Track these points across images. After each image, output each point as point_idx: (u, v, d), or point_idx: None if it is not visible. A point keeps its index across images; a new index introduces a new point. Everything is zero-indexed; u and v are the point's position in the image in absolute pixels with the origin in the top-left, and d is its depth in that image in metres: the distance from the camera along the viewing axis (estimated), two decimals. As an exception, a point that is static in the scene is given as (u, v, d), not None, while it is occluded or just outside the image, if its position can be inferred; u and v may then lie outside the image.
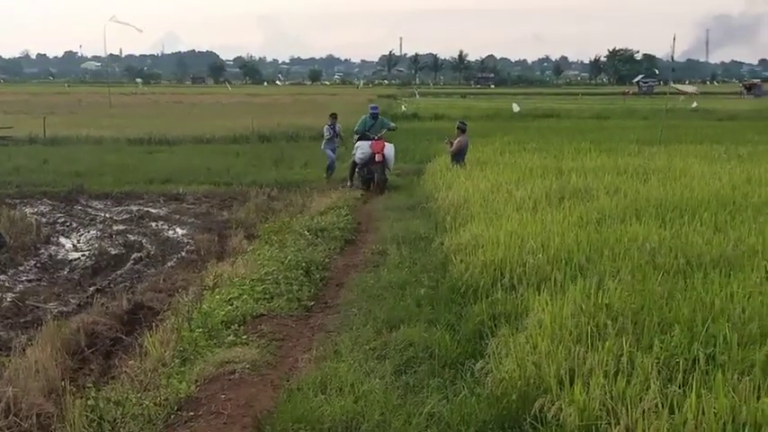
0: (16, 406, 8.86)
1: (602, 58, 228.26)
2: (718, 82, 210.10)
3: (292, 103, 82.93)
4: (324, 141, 29.20)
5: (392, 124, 27.33)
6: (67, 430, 7.96)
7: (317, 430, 6.85)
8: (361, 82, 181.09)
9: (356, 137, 26.33)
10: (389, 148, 24.92)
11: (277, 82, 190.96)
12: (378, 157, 24.35)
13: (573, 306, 8.51)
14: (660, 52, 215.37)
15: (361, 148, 24.76)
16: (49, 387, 9.23)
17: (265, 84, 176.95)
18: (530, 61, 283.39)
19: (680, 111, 58.08)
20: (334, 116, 29.23)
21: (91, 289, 14.75)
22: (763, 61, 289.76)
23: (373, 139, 24.84)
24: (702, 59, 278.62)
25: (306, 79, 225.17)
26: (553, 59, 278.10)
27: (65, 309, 13.13)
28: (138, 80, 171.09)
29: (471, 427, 6.70)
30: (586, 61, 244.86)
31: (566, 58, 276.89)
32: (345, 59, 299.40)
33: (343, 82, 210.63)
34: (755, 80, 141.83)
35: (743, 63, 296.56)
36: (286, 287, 12.24)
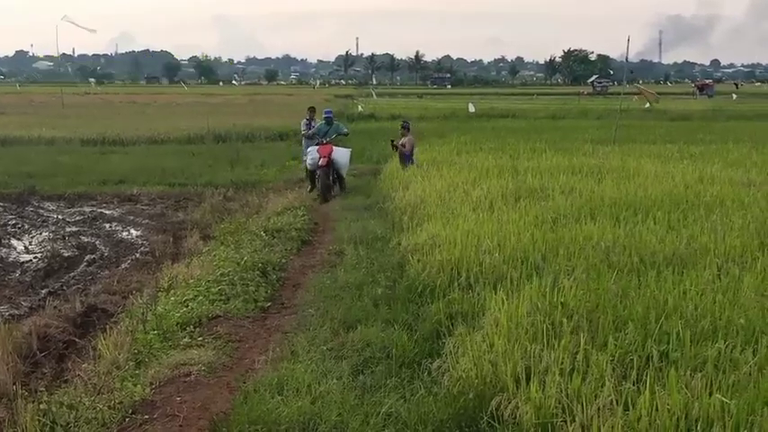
0: (-33, 411, 8.78)
1: (557, 59, 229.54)
2: (671, 82, 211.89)
3: (248, 103, 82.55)
4: (303, 141, 27.58)
5: (345, 129, 25.89)
6: (19, 433, 7.89)
7: (273, 430, 6.85)
8: (318, 82, 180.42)
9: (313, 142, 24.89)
10: (341, 153, 23.34)
11: (233, 82, 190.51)
12: (321, 161, 22.45)
13: (529, 305, 8.54)
14: (614, 53, 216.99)
15: (311, 154, 23.31)
16: (0, 391, 9.15)
17: (221, 84, 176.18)
18: (486, 62, 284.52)
19: (633, 111, 58.61)
20: (312, 110, 27.79)
21: (43, 291, 14.65)
22: (714, 62, 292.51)
23: (322, 143, 23.26)
24: (656, 60, 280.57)
25: (262, 79, 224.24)
26: (509, 60, 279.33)
27: (16, 312, 13.03)
28: (92, 80, 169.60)
29: (429, 426, 6.71)
30: (542, 62, 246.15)
31: (521, 58, 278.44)
32: (302, 59, 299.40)
33: (300, 82, 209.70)
34: (708, 80, 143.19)
35: (695, 63, 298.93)
36: (242, 288, 12.21)
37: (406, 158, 23.88)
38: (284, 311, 11.40)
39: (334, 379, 7.90)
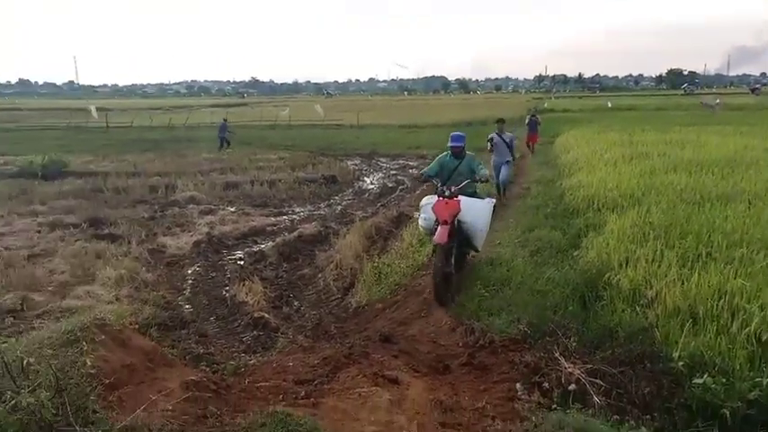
0: (340, 264, 9.43)
1: (663, 74, 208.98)
2: (734, 86, 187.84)
3: (484, 103, 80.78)
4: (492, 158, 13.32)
5: (484, 171, 7.54)
6: (363, 277, 8.41)
7: (487, 284, 6.90)
8: (523, 91, 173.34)
9: (435, 185, 7.49)
10: (475, 211, 7.18)
11: (477, 92, 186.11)
12: (439, 235, 6.59)
13: (631, 221, 8.12)
14: (698, 69, 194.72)
15: (425, 211, 7.38)
16: (356, 255, 9.75)
17: (470, 93, 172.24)
18: (620, 76, 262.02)
19: (707, 105, 52.69)
20: (500, 122, 13.92)
21: (378, 204, 15.29)
22: (763, 74, 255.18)
23: (443, 196, 7.02)
24: (725, 73, 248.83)
25: (492, 90, 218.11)
26: (634, 75, 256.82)
27: (365, 214, 13.71)
28: (405, 92, 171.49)
29: (570, 285, 6.54)
30: (654, 76, 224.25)
31: (642, 74, 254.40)
32: (514, 78, 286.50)
33: (514, 90, 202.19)
34: (757, 85, 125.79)
35: (750, 75, 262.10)
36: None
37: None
38: (497, 220, 11.32)
39: (520, 258, 7.84)
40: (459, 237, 7.07)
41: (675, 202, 9.20)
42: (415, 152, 26.29)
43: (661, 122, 29.36)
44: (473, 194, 7.64)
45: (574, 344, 5.14)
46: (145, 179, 18.51)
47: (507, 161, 13.13)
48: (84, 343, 3.48)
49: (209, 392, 4.06)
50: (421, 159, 24.22)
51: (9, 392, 2.93)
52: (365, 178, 20.02)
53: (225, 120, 30.04)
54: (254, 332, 6.98)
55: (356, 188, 18.01)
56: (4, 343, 3.09)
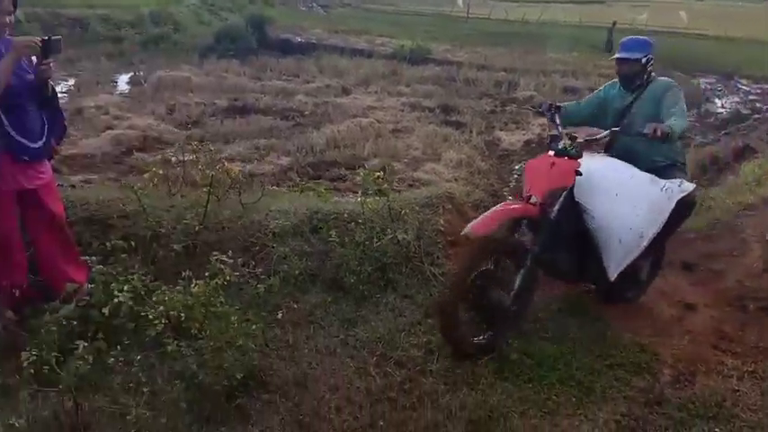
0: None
1: None
2: None
3: None
4: None
5: (679, 121, 3.47)
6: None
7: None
8: None
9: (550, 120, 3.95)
10: (625, 200, 3.42)
11: None
12: (478, 222, 3.20)
13: None
14: None
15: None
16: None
17: None
18: None
19: None
20: None
21: (722, 132, 14.02)
22: None
23: (554, 150, 3.53)
24: None
25: None
26: None
27: (703, 140, 12.83)
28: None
29: None
30: None
31: None
32: None
33: None
34: None
35: None
36: None
37: None
38: None
39: None
40: (568, 236, 3.63)
41: None
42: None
43: None
44: (662, 168, 3.85)
45: None
46: (492, 73, 19.74)
47: None
48: (440, 208, 4.69)
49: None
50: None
51: (389, 229, 4.26)
52: (716, 100, 18.13)
53: (614, 23, 29.91)
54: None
55: (702, 110, 16.50)
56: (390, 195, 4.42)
